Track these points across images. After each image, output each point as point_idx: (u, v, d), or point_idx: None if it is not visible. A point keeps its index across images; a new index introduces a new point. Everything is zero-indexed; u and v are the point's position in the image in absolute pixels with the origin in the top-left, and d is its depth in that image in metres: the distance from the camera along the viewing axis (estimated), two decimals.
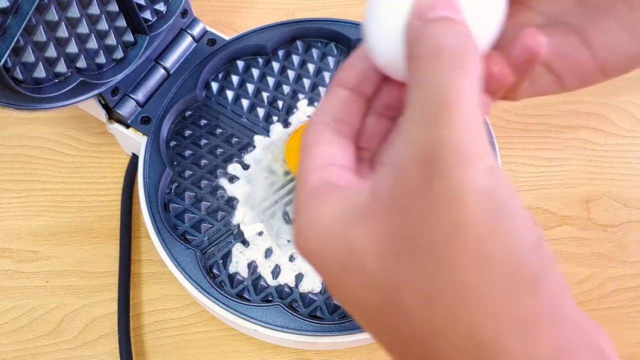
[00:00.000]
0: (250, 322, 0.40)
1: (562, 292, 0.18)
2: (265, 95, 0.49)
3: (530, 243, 0.18)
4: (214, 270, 0.43)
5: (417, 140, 0.18)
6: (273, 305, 0.40)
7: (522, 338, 0.17)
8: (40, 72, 0.38)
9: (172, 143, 0.47)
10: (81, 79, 0.41)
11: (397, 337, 0.20)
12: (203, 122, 0.48)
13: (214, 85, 0.50)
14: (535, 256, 0.18)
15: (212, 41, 0.50)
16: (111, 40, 0.42)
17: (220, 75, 0.50)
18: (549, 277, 0.18)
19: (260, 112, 0.49)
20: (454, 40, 0.19)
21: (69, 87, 0.40)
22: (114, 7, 0.41)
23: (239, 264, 0.43)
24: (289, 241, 0.43)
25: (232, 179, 0.46)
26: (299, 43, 0.51)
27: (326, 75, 0.50)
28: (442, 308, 0.18)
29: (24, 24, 0.35)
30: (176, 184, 0.46)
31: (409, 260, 0.18)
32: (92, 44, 0.41)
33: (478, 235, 0.17)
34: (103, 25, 0.41)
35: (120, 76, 0.44)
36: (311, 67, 0.50)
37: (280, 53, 0.51)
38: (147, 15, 0.44)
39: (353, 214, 0.20)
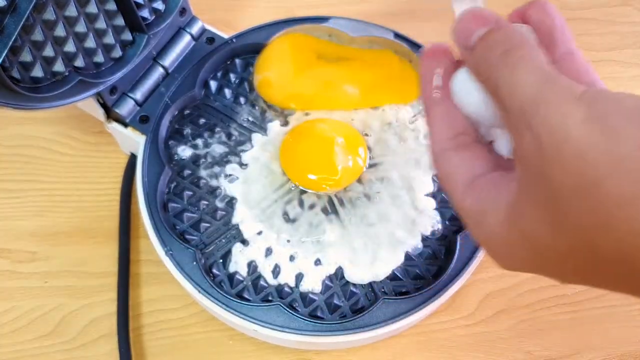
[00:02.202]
0: (250, 322, 0.40)
1: None
2: None
3: None
4: (214, 270, 0.43)
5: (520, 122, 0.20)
6: (273, 305, 0.40)
7: None
8: (38, 71, 0.38)
9: (171, 142, 0.47)
10: (79, 78, 0.40)
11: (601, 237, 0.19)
12: (202, 120, 0.48)
13: (213, 84, 0.49)
14: None
15: (211, 40, 0.50)
16: (109, 39, 0.42)
17: (219, 74, 0.50)
18: None
19: (259, 110, 0.49)
20: (503, 44, 0.21)
21: (67, 87, 0.40)
22: (112, 6, 0.41)
23: (238, 263, 0.43)
24: (288, 240, 0.43)
25: (231, 178, 0.46)
26: None
27: None
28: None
29: (22, 23, 0.34)
30: (175, 184, 0.45)
31: (561, 196, 0.19)
32: (90, 42, 0.41)
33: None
34: (101, 23, 0.41)
35: (118, 75, 0.43)
36: None
37: None
38: (145, 13, 0.44)
39: (510, 208, 0.21)
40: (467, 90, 0.23)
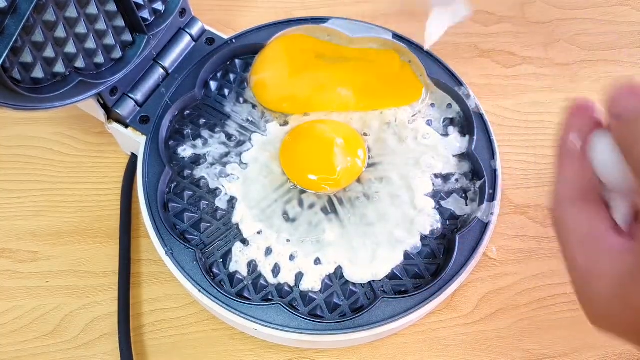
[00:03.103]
0: (251, 321, 0.40)
1: None
2: None
3: None
4: (214, 270, 0.43)
5: None
6: (273, 304, 0.40)
7: None
8: (38, 72, 0.38)
9: (171, 142, 0.47)
10: (80, 78, 0.41)
11: None
12: (202, 121, 0.48)
13: (213, 84, 0.50)
14: None
15: (211, 40, 0.50)
16: (109, 39, 0.42)
17: (219, 74, 0.50)
18: None
19: (259, 111, 0.49)
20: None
21: (68, 87, 0.40)
22: (112, 7, 0.41)
23: (238, 262, 0.43)
24: (288, 240, 0.43)
25: (231, 178, 0.46)
26: None
27: None
28: None
29: (22, 24, 0.35)
30: (175, 184, 0.46)
31: None
32: (91, 43, 0.41)
33: None
34: (101, 24, 0.41)
35: (118, 76, 0.44)
36: None
37: None
38: (145, 14, 0.44)
39: (621, 279, 0.22)
40: (604, 154, 0.24)
